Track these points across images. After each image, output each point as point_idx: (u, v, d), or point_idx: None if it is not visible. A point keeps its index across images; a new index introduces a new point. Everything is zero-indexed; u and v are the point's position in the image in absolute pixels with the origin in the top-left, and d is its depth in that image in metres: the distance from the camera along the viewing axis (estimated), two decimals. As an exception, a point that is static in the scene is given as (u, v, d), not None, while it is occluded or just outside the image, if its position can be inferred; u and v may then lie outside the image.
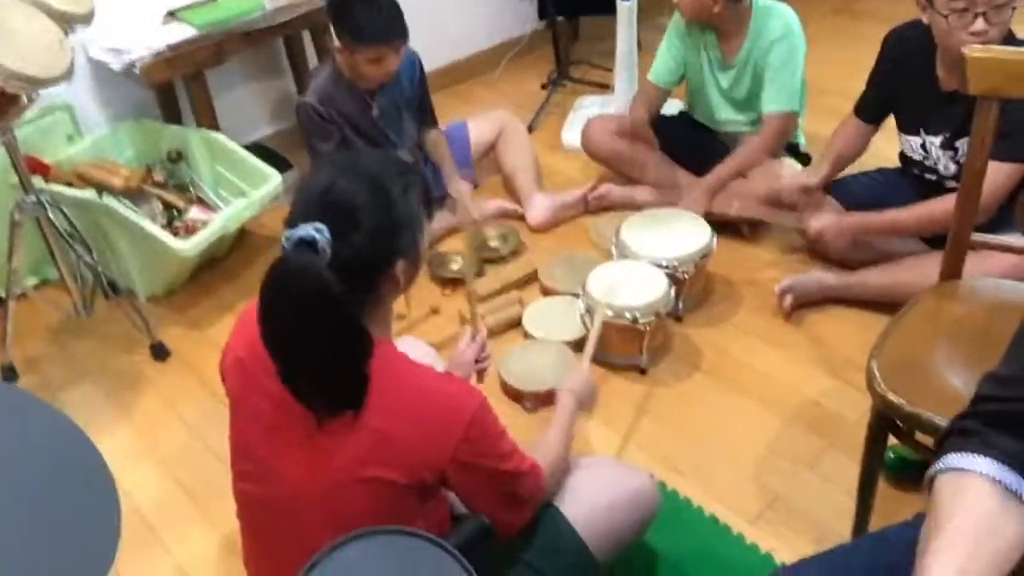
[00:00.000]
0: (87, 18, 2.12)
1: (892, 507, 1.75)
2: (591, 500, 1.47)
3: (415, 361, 1.24)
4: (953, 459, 0.92)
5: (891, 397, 1.44)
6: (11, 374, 2.35)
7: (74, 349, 2.48)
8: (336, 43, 2.46)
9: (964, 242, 1.64)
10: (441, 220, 2.72)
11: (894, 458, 1.84)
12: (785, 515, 1.83)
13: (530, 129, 3.30)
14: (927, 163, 2.26)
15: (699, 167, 2.68)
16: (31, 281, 2.68)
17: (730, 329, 2.35)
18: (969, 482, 0.89)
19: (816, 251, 2.50)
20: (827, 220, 2.32)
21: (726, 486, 1.90)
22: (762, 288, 2.44)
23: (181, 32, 2.63)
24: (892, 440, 1.57)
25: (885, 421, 1.53)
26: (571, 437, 1.55)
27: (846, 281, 2.33)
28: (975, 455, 0.90)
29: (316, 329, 1.09)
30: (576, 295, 2.26)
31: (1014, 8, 1.92)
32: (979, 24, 1.91)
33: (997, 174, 1.88)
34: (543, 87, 3.61)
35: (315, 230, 1.08)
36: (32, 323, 2.55)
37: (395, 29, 2.42)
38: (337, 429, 1.17)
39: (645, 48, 3.29)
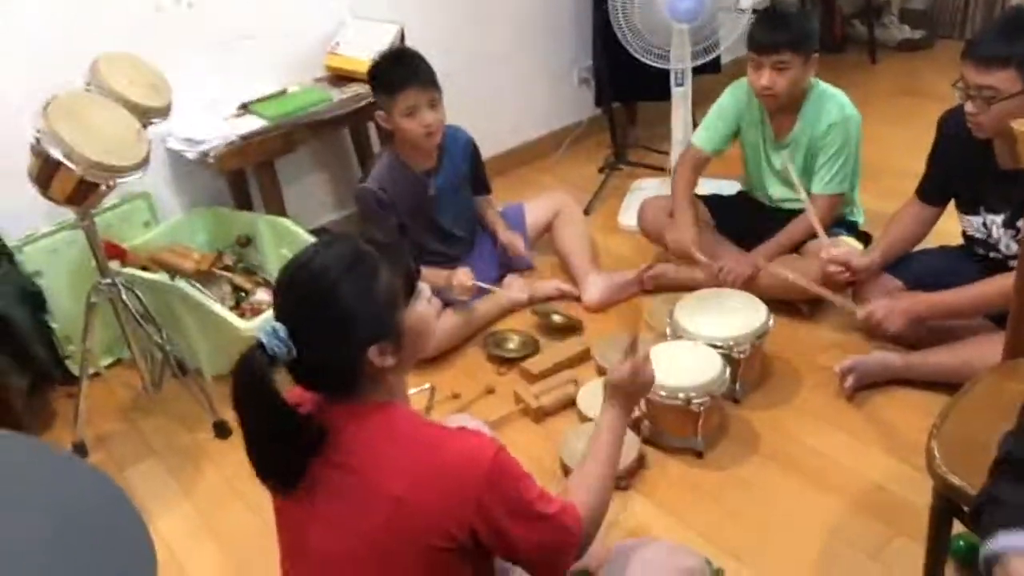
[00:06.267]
0: (164, 111, 2.26)
1: (963, 599, 1.67)
2: None
3: (427, 421, 1.27)
4: (1011, 539, 0.88)
5: (952, 479, 1.39)
6: (82, 450, 2.43)
7: (142, 426, 2.56)
8: (381, 115, 2.59)
9: (1026, 320, 1.60)
10: (494, 300, 2.76)
11: (964, 546, 1.75)
12: (849, 606, 1.75)
13: (587, 211, 3.35)
14: (990, 241, 2.22)
15: (756, 246, 2.66)
16: (105, 361, 2.79)
17: (789, 411, 2.30)
18: None
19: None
20: (878, 305, 2.26)
21: (788, 575, 1.84)
22: (822, 368, 2.40)
23: (252, 123, 2.77)
24: (961, 527, 1.51)
25: (949, 505, 1.47)
26: (617, 456, 1.45)
27: (910, 361, 2.27)
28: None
29: (255, 418, 1.21)
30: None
31: None
32: (969, 106, 1.99)
33: None
34: (600, 171, 3.67)
35: (270, 335, 1.18)
36: (104, 401, 2.65)
37: (419, 73, 2.53)
38: (356, 498, 1.19)
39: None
